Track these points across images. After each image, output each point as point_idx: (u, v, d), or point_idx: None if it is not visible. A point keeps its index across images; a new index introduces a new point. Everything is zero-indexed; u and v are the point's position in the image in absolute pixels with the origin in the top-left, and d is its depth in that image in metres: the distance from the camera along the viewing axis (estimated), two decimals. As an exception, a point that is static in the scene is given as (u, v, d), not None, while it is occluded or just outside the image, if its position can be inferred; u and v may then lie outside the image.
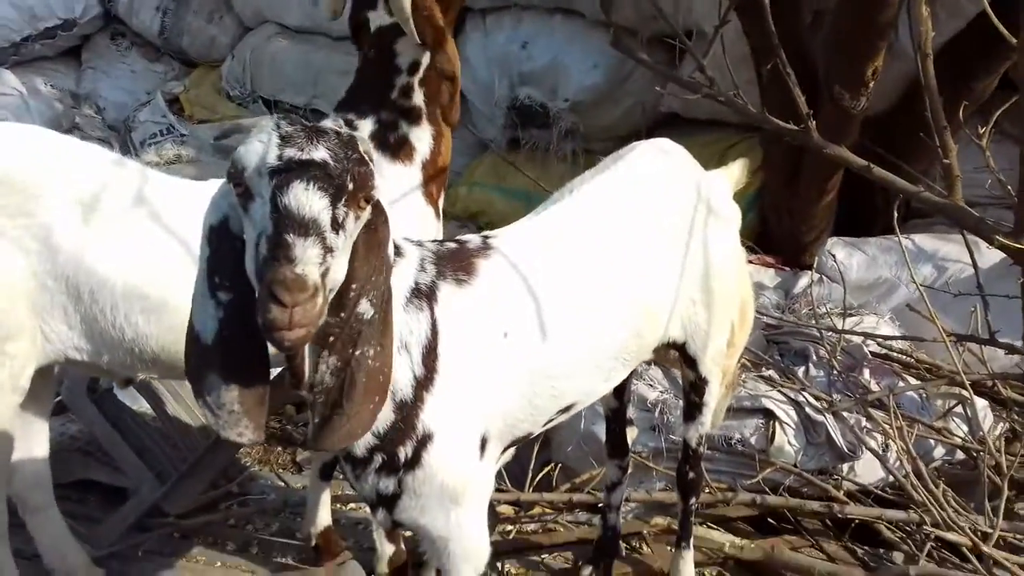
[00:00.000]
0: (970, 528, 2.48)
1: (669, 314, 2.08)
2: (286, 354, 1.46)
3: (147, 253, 2.23)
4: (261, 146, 1.37)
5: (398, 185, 2.45)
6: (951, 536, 2.45)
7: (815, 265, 3.82)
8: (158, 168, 4.63)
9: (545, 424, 1.99)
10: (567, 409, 2.00)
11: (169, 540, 3.20)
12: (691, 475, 2.44)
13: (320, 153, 1.36)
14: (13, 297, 2.16)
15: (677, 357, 2.29)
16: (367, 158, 1.44)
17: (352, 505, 3.45)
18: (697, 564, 2.87)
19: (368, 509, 1.83)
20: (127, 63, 6.22)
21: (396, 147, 2.45)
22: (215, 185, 1.61)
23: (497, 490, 3.26)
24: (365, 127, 2.44)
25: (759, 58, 3.72)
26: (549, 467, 3.38)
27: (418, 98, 2.46)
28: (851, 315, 3.62)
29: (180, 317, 1.61)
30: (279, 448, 4.13)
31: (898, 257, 3.79)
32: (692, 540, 2.54)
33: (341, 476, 3.50)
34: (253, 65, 5.69)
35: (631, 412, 3.27)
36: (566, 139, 4.66)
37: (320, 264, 1.32)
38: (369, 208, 1.46)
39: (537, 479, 3.32)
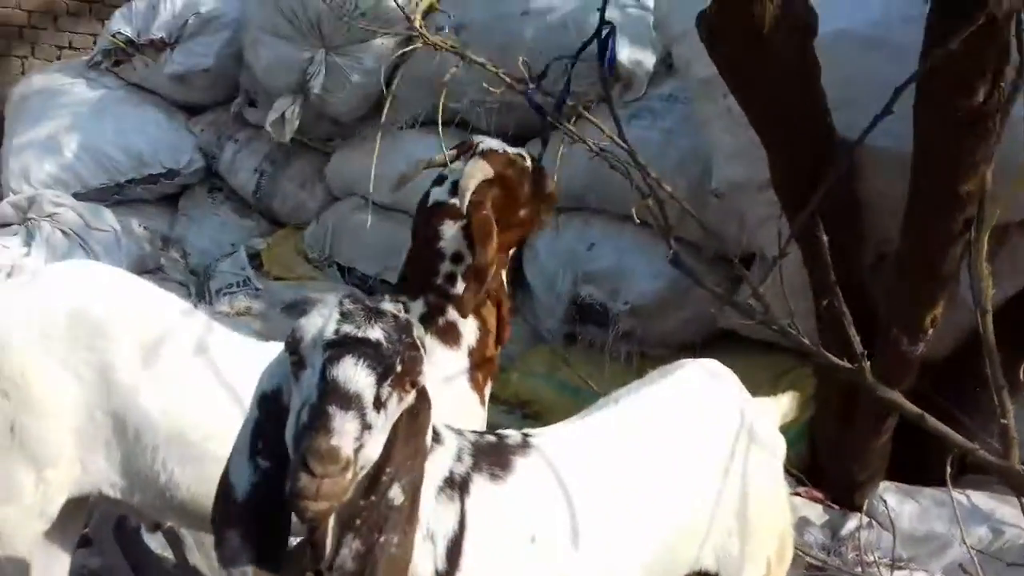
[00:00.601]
0: None
1: (703, 540, 2.03)
2: (307, 526, 1.46)
3: (196, 403, 2.30)
4: (321, 320, 1.44)
5: (445, 369, 2.49)
6: None
7: (865, 508, 3.68)
8: (228, 317, 4.81)
9: None
10: None
11: None
12: None
13: (375, 333, 1.42)
14: (61, 425, 2.24)
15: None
16: (419, 344, 1.49)
17: None
18: None
19: None
20: (219, 215, 6.59)
21: (444, 331, 2.51)
22: (275, 348, 1.67)
23: None
24: (416, 308, 2.52)
25: (816, 291, 3.77)
26: None
27: (461, 289, 2.53)
28: (900, 567, 3.45)
29: (215, 471, 1.64)
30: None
31: (952, 512, 3.63)
32: None
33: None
34: (335, 232, 5.98)
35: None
36: (622, 340, 4.70)
37: (356, 439, 1.34)
38: (414, 393, 1.49)
39: None
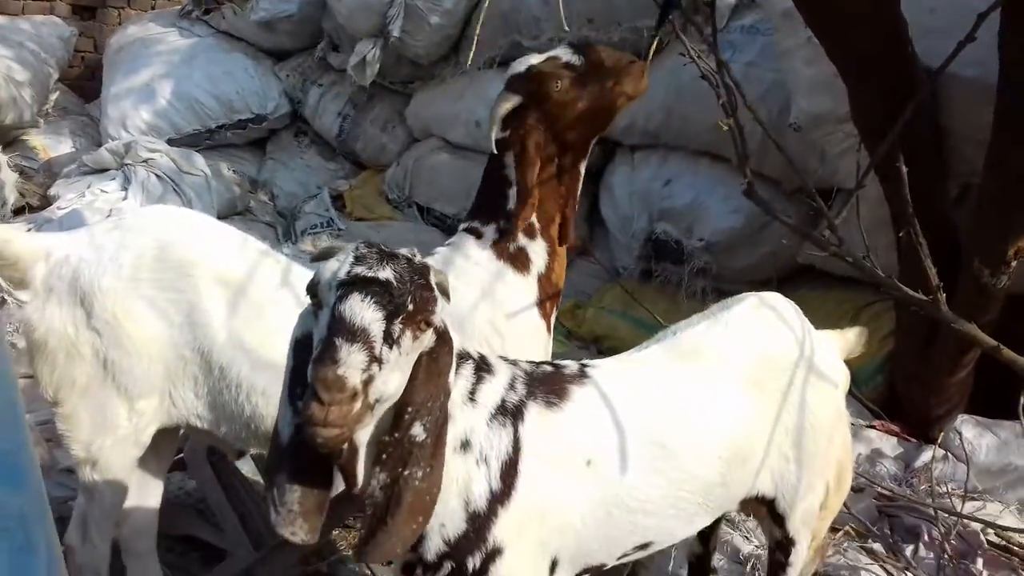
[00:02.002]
0: None
1: (759, 467, 2.07)
2: (322, 453, 1.53)
3: (277, 338, 2.41)
4: (337, 264, 1.53)
5: (517, 294, 2.58)
6: None
7: (940, 440, 3.64)
8: (310, 256, 4.98)
9: (620, 558, 2.00)
10: (644, 547, 2.01)
11: (253, 607, 3.32)
12: (768, 638, 2.35)
13: (386, 273, 1.50)
14: (152, 361, 2.39)
15: (766, 514, 2.25)
16: (433, 286, 1.57)
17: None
18: None
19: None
20: (304, 158, 6.79)
21: (514, 257, 2.59)
22: None
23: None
24: (488, 235, 2.60)
25: (897, 224, 3.69)
26: (632, 606, 3.31)
27: (531, 214, 2.60)
28: (973, 499, 3.41)
29: None
30: (375, 539, 4.23)
31: (1032, 446, 3.57)
32: None
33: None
34: (414, 173, 6.10)
35: (722, 561, 3.19)
36: (698, 277, 4.70)
37: (363, 371, 1.42)
38: (431, 334, 1.57)
39: (618, 615, 3.25)
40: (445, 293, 1.63)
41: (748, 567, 3.13)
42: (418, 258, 1.60)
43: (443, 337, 1.63)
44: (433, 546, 1.73)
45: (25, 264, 2.37)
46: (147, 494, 2.80)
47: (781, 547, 2.24)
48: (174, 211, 2.58)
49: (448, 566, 1.75)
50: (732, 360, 2.04)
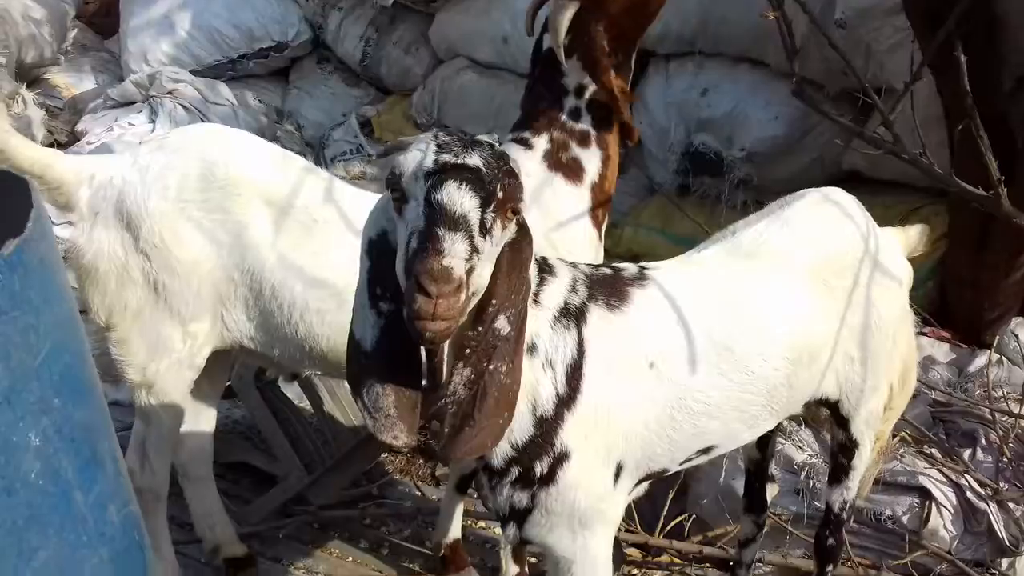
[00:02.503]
0: None
1: (824, 368, 2.02)
2: (426, 348, 1.51)
3: (327, 256, 2.38)
4: (419, 153, 1.46)
5: (569, 204, 2.51)
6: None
7: (995, 345, 3.56)
8: (343, 182, 4.93)
9: (683, 463, 1.97)
10: (707, 451, 1.98)
11: (308, 528, 3.38)
12: (830, 541, 2.33)
13: (474, 160, 1.44)
14: (202, 283, 2.36)
15: (828, 416, 2.20)
16: (518, 174, 1.50)
17: (483, 524, 3.51)
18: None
19: (499, 525, 1.88)
20: (328, 86, 6.65)
21: (567, 167, 2.52)
22: None
23: (626, 531, 3.23)
24: (540, 145, 2.53)
25: (951, 120, 3.55)
26: (683, 517, 3.31)
27: (586, 121, 2.54)
28: (1031, 402, 3.35)
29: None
30: (421, 461, 4.27)
31: (1092, 346, 3.48)
32: (824, 609, 2.42)
33: (475, 494, 3.57)
34: (441, 95, 5.96)
35: (775, 471, 3.17)
36: (738, 189, 4.57)
37: (466, 261, 1.37)
38: (515, 224, 1.51)
39: (669, 527, 3.26)
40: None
41: (802, 476, 3.11)
42: (498, 145, 1.53)
43: (524, 228, 1.58)
44: (500, 451, 1.71)
45: (69, 188, 2.33)
46: (202, 419, 2.83)
47: (844, 450, 2.20)
48: (216, 129, 2.52)
49: (515, 471, 1.73)
50: (795, 258, 1.98)
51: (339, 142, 5.96)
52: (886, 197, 4.24)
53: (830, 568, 2.37)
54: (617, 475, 1.83)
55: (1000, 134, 3.43)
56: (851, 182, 4.46)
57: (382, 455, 4.18)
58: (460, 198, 1.40)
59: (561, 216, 2.50)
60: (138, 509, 1.68)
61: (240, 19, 6.29)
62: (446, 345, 1.52)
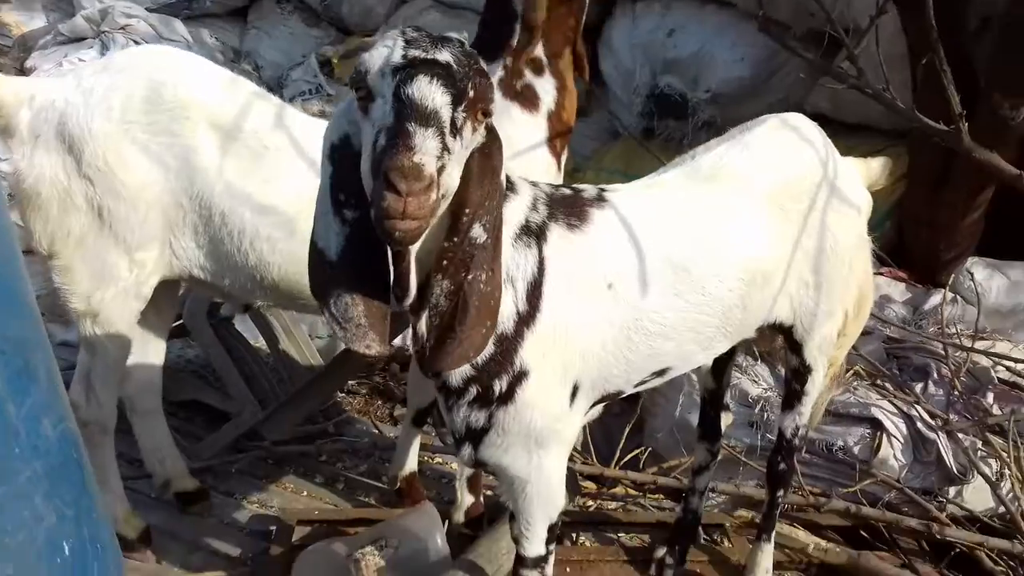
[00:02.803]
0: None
1: (778, 291, 2.01)
2: (394, 251, 1.47)
3: (277, 183, 2.32)
4: (386, 49, 1.40)
5: (525, 133, 2.47)
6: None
7: (950, 283, 3.60)
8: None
9: (637, 384, 1.96)
10: (662, 372, 1.97)
11: (262, 464, 3.36)
12: (782, 467, 2.35)
13: (444, 56, 1.38)
14: (149, 209, 2.29)
15: (783, 344, 2.20)
16: (487, 72, 1.44)
17: (440, 459, 3.51)
18: (778, 566, 2.77)
19: (455, 449, 1.86)
20: (288, 26, 6.48)
21: (522, 95, 2.47)
22: None
23: (583, 463, 3.25)
24: (494, 73, 2.46)
25: (915, 57, 3.54)
26: (639, 450, 3.34)
27: (539, 48, 2.46)
28: (983, 339, 3.40)
29: (305, 247, 1.64)
30: (379, 402, 4.25)
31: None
32: (774, 535, 2.45)
33: (432, 430, 3.57)
34: (403, 35, 5.85)
35: (730, 402, 3.19)
36: (702, 131, 4.54)
37: (437, 158, 1.32)
38: (484, 128, 1.46)
39: (625, 460, 3.28)
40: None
41: (757, 409, 3.14)
42: (467, 44, 1.46)
43: (494, 133, 1.52)
44: (459, 371, 1.68)
45: (8, 110, 2.24)
46: (150, 351, 2.76)
47: (797, 375, 2.21)
48: (164, 50, 2.42)
49: (474, 390, 1.71)
50: (753, 182, 1.96)
51: (298, 82, 5.83)
52: (849, 139, 4.23)
53: (781, 494, 2.39)
54: (573, 395, 1.82)
55: (963, 74, 3.42)
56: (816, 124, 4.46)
57: (339, 395, 4.17)
58: (432, 93, 1.34)
59: (519, 145, 2.45)
60: (76, 427, 1.63)
61: (196, -46, 6.10)
62: (413, 252, 1.49)
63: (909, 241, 3.98)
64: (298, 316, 3.96)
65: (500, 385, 1.70)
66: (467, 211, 1.47)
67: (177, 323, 3.67)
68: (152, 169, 2.27)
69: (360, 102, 1.42)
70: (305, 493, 3.23)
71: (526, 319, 1.68)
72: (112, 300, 2.35)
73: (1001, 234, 3.89)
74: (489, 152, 1.51)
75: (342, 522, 2.88)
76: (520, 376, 1.70)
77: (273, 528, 2.87)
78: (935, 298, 3.63)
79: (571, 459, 3.25)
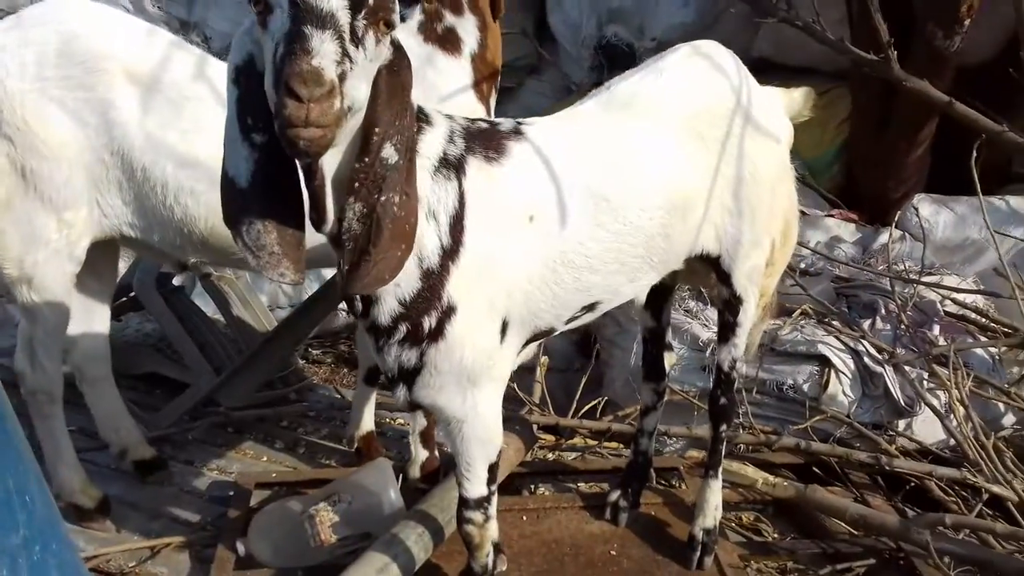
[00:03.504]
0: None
1: (701, 220, 2.02)
2: (303, 165, 1.44)
3: (198, 135, 2.29)
4: None
5: (451, 77, 2.45)
6: (996, 489, 2.31)
7: (897, 220, 3.63)
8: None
9: (568, 321, 1.97)
10: (592, 307, 1.98)
11: (221, 431, 3.36)
12: (722, 401, 2.37)
13: None
14: (72, 167, 2.27)
15: (713, 276, 2.22)
16: None
17: (401, 420, 3.52)
18: (735, 506, 2.82)
19: (390, 391, 1.87)
20: (236, -5, 6.40)
21: (443, 38, 2.45)
22: None
23: (540, 414, 3.27)
24: (413, 16, 2.44)
25: (849, -8, 3.56)
26: (596, 401, 3.37)
27: None
28: (931, 274, 3.44)
29: None
30: (345, 370, 4.26)
31: (991, 218, 3.56)
32: (721, 471, 2.47)
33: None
34: None
35: (682, 350, 3.22)
36: (652, 81, 4.54)
37: (337, 63, 1.30)
38: (389, 42, 1.45)
39: (583, 411, 3.30)
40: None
41: (708, 352, 3.17)
42: None
43: (400, 50, 1.50)
44: (387, 308, 1.68)
45: None
46: (93, 318, 2.74)
47: (729, 306, 2.22)
48: (76, 2, 2.38)
49: (403, 328, 1.71)
50: (667, 109, 1.96)
51: (248, 53, 5.76)
52: (795, 82, 4.23)
53: (724, 428, 2.41)
54: (503, 332, 1.82)
55: (900, 9, 3.45)
56: (761, 69, 4.45)
57: (304, 363, 4.17)
58: None
59: (443, 90, 2.44)
60: None
61: (138, -76, 5.98)
62: (328, 175, 1.48)
63: (858, 182, 4.01)
64: (255, 285, 3.96)
65: (429, 322, 1.70)
66: (377, 130, 1.46)
67: (132, 294, 3.67)
68: (71, 126, 2.25)
69: (259, 16, 1.39)
70: (265, 458, 3.23)
71: (450, 253, 1.68)
72: (45, 263, 2.33)
73: (948, 170, 3.92)
74: (397, 69, 1.49)
75: (300, 483, 2.89)
76: (448, 311, 1.71)
77: (232, 493, 2.87)
78: (884, 237, 3.66)
79: (528, 411, 3.29)
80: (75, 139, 2.24)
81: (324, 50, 1.29)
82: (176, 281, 3.57)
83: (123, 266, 3.83)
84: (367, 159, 1.47)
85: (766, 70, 4.43)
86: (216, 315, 3.77)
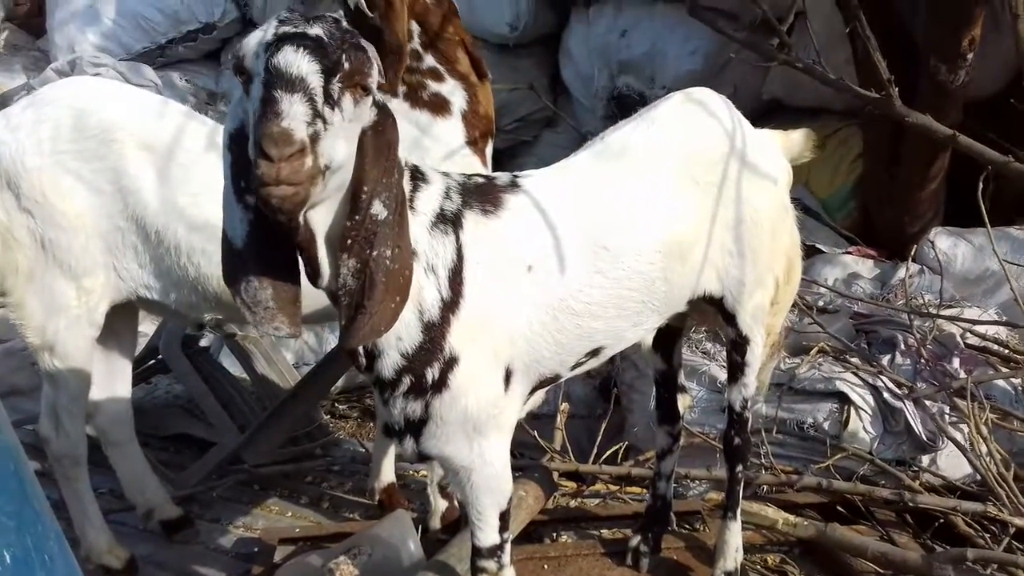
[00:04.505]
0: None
1: (701, 262, 2.04)
2: (279, 223, 1.47)
3: (207, 197, 2.38)
4: (261, 32, 1.45)
5: (443, 137, 2.52)
6: (1018, 521, 2.26)
7: (914, 254, 3.61)
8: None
9: (573, 367, 1.99)
10: (596, 352, 2.00)
11: (247, 488, 3.40)
12: (736, 441, 2.36)
13: (315, 30, 1.42)
14: (89, 235, 2.37)
15: (717, 316, 2.23)
16: (367, 49, 1.48)
17: (422, 472, 3.53)
18: (760, 549, 2.78)
19: (397, 445, 1.90)
20: (261, 65, 6.60)
21: (432, 104, 2.52)
22: None
23: (560, 461, 3.27)
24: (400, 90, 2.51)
25: (853, 32, 3.60)
26: (617, 447, 3.36)
27: (429, 60, 2.52)
28: (950, 307, 3.42)
29: None
30: (371, 424, 4.29)
31: (1010, 248, 3.54)
32: (739, 512, 2.45)
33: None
34: (372, 63, 5.95)
35: (700, 393, 3.21)
36: (664, 129, 4.60)
37: (308, 124, 1.36)
38: (371, 105, 1.51)
39: (603, 457, 3.29)
40: (374, 56, 1.55)
41: (727, 394, 3.15)
42: (345, 23, 1.50)
43: (384, 110, 1.57)
44: (390, 362, 1.72)
45: None
46: (115, 381, 2.81)
47: (736, 347, 2.23)
48: (85, 79, 2.52)
49: (407, 380, 1.74)
50: (661, 156, 1.99)
51: (273, 117, 5.92)
52: (807, 122, 4.26)
53: (740, 469, 2.39)
54: (507, 380, 1.85)
55: (905, 46, 3.49)
56: (773, 111, 4.51)
57: (329, 419, 4.21)
58: (296, 60, 1.38)
59: (436, 152, 2.51)
60: (13, 439, 1.66)
61: (165, 3, 6.22)
62: (318, 229, 1.54)
63: (874, 218, 4.01)
64: (279, 343, 4.02)
65: (432, 373, 1.74)
66: (365, 188, 1.52)
67: (160, 357, 3.75)
68: (88, 195, 2.35)
69: (244, 85, 1.47)
70: (290, 514, 3.26)
71: (451, 305, 1.72)
72: (66, 330, 2.42)
73: (965, 202, 3.90)
74: (382, 129, 1.56)
75: (323, 538, 2.91)
76: (451, 362, 1.74)
77: (256, 550, 2.90)
78: (902, 271, 3.64)
79: (549, 459, 3.29)
80: (91, 208, 2.34)
81: (293, 112, 1.36)
82: (203, 343, 3.65)
83: (151, 328, 3.95)
84: (357, 216, 1.53)
85: (778, 111, 4.49)
86: (242, 374, 3.84)
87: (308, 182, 1.37)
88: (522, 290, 1.82)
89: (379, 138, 1.55)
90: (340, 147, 1.45)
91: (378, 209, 1.54)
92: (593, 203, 1.92)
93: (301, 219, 1.50)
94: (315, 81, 1.39)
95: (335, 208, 1.55)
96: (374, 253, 1.54)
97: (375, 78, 1.49)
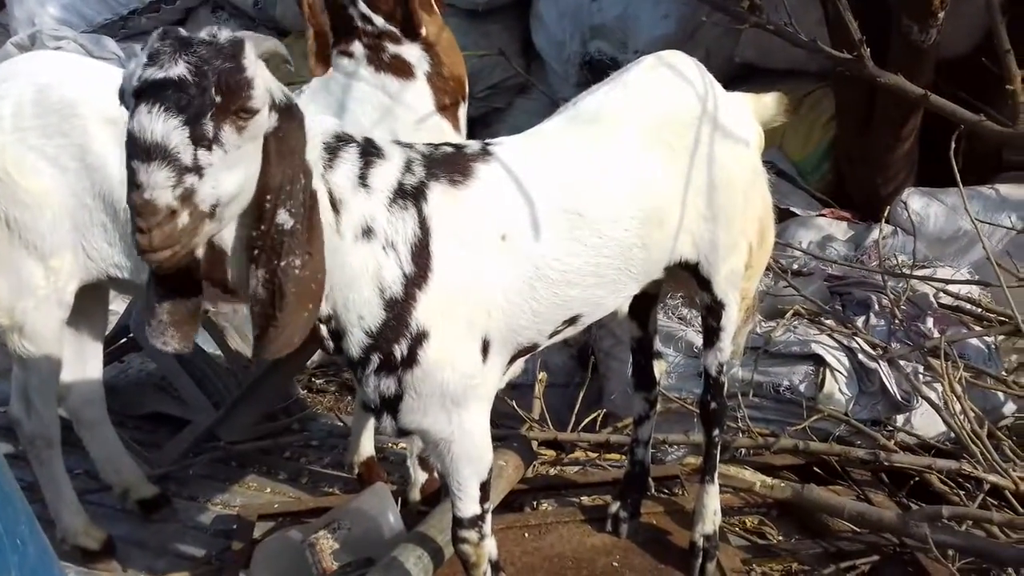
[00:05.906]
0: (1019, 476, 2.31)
1: (676, 228, 2.02)
2: (160, 274, 1.51)
3: None
4: (134, 65, 1.40)
5: (414, 104, 2.47)
6: (992, 478, 2.29)
7: (887, 215, 3.62)
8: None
9: (551, 335, 1.98)
10: (573, 321, 1.98)
11: (224, 465, 3.37)
12: (713, 405, 2.37)
13: (178, 70, 1.36)
14: (56, 214, 2.31)
15: (693, 282, 2.22)
16: (246, 66, 1.40)
17: (401, 445, 3.52)
18: (738, 511, 2.81)
19: (376, 422, 1.89)
20: (227, 34, 6.48)
21: (393, 67, 2.45)
22: None
23: (538, 430, 3.27)
24: (359, 51, 2.45)
25: (824, -7, 3.59)
26: (596, 414, 3.36)
27: (379, 22, 2.43)
28: (924, 267, 3.43)
29: None
30: (349, 397, 4.27)
31: (982, 207, 3.57)
32: (717, 476, 2.47)
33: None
34: (339, 32, 5.85)
35: (677, 358, 3.22)
36: (637, 94, 4.56)
37: (172, 188, 1.34)
38: (266, 116, 1.46)
39: (582, 425, 3.30)
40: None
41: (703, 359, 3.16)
42: (224, 36, 1.42)
43: (287, 113, 1.52)
44: (356, 341, 1.71)
45: None
46: (86, 362, 2.77)
47: (712, 312, 2.23)
48: (45, 54, 2.44)
49: (376, 358, 1.73)
50: (634, 120, 1.97)
51: (240, 89, 5.82)
52: (780, 85, 4.24)
53: (717, 433, 2.40)
54: (485, 351, 1.84)
55: (875, 7, 3.47)
56: (746, 74, 4.49)
57: (307, 393, 4.18)
58: (151, 125, 1.34)
59: (405, 116, 2.46)
60: None
61: (126, -27, 6.09)
62: (227, 246, 1.55)
63: (848, 180, 4.01)
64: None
65: (400, 349, 1.72)
66: (268, 198, 1.51)
67: (131, 336, 3.70)
68: (53, 173, 2.30)
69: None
70: (268, 490, 3.25)
71: (415, 280, 1.70)
72: (34, 310, 2.37)
73: (938, 163, 3.91)
74: (283, 135, 1.52)
75: (302, 512, 2.90)
76: (419, 338, 1.72)
77: (235, 526, 2.88)
78: (875, 232, 3.65)
79: (527, 428, 3.29)
80: (57, 186, 2.28)
81: (152, 181, 1.34)
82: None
83: (122, 307, 3.89)
84: (263, 227, 1.52)
85: (751, 74, 4.47)
86: (215, 351, 3.80)
87: (188, 237, 1.38)
88: (496, 260, 1.79)
89: (281, 144, 1.51)
90: (230, 179, 1.42)
91: (284, 219, 1.52)
92: (567, 169, 1.90)
93: (201, 248, 1.51)
94: (177, 138, 1.35)
95: (243, 221, 1.54)
96: (282, 263, 1.53)
97: (260, 93, 1.42)
